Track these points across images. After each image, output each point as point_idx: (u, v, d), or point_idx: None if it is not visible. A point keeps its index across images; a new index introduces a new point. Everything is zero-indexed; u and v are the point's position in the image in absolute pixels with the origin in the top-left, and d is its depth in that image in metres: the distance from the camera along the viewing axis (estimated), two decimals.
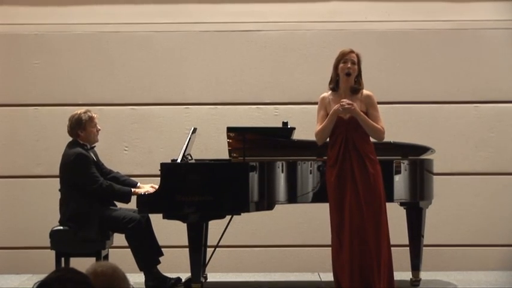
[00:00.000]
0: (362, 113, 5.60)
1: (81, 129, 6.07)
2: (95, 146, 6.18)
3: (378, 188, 5.56)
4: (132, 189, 6.04)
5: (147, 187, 6.11)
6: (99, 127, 6.16)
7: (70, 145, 6.10)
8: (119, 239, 6.23)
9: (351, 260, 5.48)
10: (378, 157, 5.69)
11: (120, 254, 6.45)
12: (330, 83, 5.75)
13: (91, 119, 6.10)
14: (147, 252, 6.09)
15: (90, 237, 5.89)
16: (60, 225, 6.02)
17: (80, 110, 6.16)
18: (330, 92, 5.76)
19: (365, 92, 5.72)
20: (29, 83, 7.36)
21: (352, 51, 5.68)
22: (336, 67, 5.69)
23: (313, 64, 7.32)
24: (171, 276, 6.18)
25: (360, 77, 5.72)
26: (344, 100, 5.58)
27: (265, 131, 6.43)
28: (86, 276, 2.35)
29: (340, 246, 5.53)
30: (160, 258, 6.16)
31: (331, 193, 5.60)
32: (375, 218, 5.51)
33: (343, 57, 5.66)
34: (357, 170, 5.54)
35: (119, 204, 6.21)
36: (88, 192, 5.95)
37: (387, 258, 5.57)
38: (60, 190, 6.09)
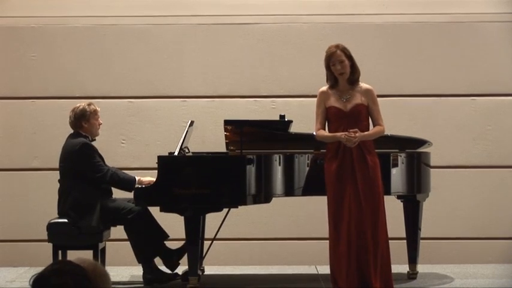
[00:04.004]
0: (363, 133, 5.53)
1: (85, 121, 6.08)
2: (95, 140, 6.18)
3: (376, 181, 5.56)
4: (137, 178, 6.03)
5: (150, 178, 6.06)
6: (100, 121, 6.18)
7: (73, 136, 6.10)
8: (117, 232, 6.23)
9: (349, 253, 5.48)
10: (375, 150, 5.69)
11: (117, 246, 6.46)
12: (327, 81, 5.67)
13: (95, 111, 6.12)
14: (146, 245, 6.07)
15: (91, 226, 5.88)
16: (60, 216, 6.01)
17: (83, 102, 6.18)
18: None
19: (364, 85, 5.67)
20: (26, 76, 7.34)
21: (335, 51, 5.57)
22: (328, 67, 5.63)
23: (310, 57, 7.30)
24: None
25: (353, 65, 5.61)
26: (350, 135, 5.50)
27: (263, 124, 6.42)
28: (84, 269, 2.35)
29: (338, 239, 5.52)
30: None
31: (331, 185, 5.58)
32: (373, 211, 5.50)
33: (330, 60, 5.59)
34: (357, 163, 5.52)
35: (118, 196, 6.22)
36: (93, 181, 5.94)
37: (385, 252, 5.57)
38: (59, 181, 6.08)
